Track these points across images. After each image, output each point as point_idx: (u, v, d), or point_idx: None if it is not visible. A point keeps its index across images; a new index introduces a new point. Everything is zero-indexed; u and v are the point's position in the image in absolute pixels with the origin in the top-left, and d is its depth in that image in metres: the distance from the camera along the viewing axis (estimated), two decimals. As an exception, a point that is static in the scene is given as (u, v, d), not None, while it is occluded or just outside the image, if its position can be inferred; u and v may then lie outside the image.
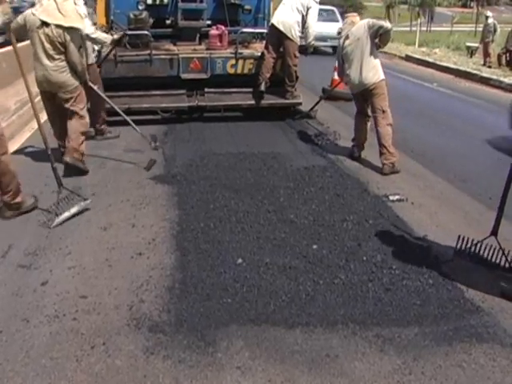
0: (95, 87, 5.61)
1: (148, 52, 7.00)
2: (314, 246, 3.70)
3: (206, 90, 7.38)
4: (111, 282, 3.25)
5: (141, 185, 4.94)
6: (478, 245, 3.52)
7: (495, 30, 16.73)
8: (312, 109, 7.71)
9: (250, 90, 7.43)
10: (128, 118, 5.78)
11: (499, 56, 16.26)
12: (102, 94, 5.83)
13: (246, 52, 7.45)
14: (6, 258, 3.53)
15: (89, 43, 5.85)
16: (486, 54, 16.70)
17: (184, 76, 7.25)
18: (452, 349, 2.70)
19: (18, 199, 4.24)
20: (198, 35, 7.98)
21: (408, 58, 17.86)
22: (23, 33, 4.91)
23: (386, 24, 5.50)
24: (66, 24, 4.78)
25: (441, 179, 5.29)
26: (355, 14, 6.30)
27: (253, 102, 7.40)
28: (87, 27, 5.56)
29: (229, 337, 2.74)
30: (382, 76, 5.58)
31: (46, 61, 4.87)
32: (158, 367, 2.52)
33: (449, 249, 3.73)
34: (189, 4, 7.81)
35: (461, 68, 13.82)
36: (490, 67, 15.06)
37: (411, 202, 4.64)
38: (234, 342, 2.70)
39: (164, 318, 2.89)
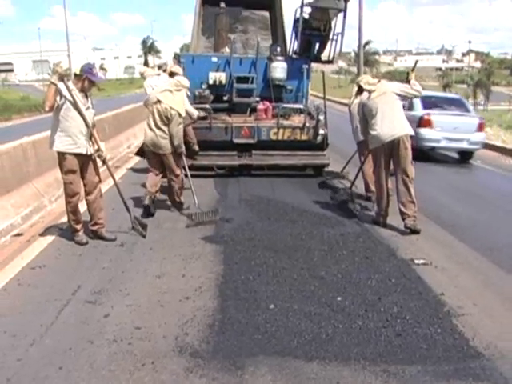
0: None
1: (208, 121, 8.84)
2: (339, 298, 4.19)
3: (254, 152, 9.21)
4: (162, 318, 3.85)
5: (192, 243, 5.60)
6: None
7: None
8: (342, 170, 8.96)
9: (289, 152, 9.17)
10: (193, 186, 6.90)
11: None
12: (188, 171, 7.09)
13: (285, 123, 9.28)
14: (76, 295, 4.22)
15: None
16: None
17: (236, 141, 9.10)
18: (450, 385, 3.09)
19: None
20: (248, 109, 9.89)
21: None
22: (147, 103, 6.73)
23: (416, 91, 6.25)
24: (174, 106, 6.44)
25: (467, 247, 5.66)
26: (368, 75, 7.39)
27: (290, 162, 9.26)
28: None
29: (256, 364, 3.25)
30: (412, 131, 6.17)
31: (154, 128, 6.51)
32: (195, 382, 3.05)
33: (463, 304, 4.14)
34: (242, 85, 9.86)
35: (507, 146, 14.12)
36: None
37: (435, 265, 5.04)
38: (259, 368, 3.20)
39: (203, 347, 3.44)
